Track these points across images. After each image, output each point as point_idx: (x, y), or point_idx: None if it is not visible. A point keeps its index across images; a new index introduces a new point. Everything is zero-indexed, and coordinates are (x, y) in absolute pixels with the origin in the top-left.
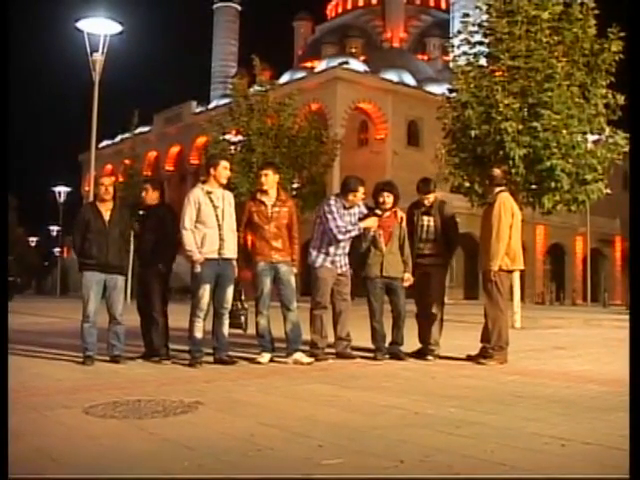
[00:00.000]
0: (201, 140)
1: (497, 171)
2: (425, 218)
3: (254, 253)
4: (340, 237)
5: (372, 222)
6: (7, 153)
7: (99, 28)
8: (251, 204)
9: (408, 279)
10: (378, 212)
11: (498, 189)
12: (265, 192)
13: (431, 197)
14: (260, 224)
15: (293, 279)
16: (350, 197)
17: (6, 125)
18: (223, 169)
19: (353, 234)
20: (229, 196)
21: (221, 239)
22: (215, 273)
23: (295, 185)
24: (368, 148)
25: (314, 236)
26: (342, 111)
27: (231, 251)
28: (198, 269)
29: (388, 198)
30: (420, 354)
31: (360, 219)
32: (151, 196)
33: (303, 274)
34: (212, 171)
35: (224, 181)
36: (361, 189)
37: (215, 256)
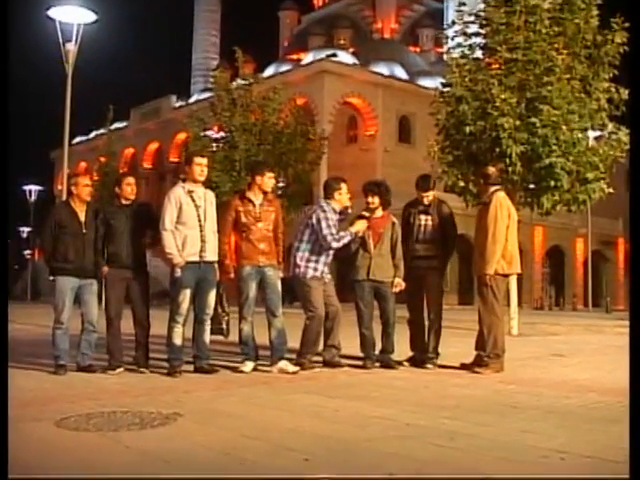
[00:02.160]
0: (181, 136)
1: (492, 169)
2: (422, 217)
3: (240, 256)
4: (334, 245)
5: (361, 225)
6: (7, 153)
7: (72, 17)
8: (238, 203)
9: (398, 284)
10: (365, 214)
11: (493, 188)
12: (266, 193)
13: (430, 195)
14: (248, 224)
15: (279, 283)
16: (336, 197)
17: (6, 126)
18: (197, 165)
19: (346, 241)
20: (210, 195)
21: (203, 241)
22: (196, 277)
23: (280, 184)
24: (357, 145)
25: (301, 246)
26: (330, 106)
27: (213, 254)
28: (178, 273)
29: (372, 198)
30: (415, 361)
31: (350, 224)
32: (134, 191)
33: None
34: (187, 168)
35: (200, 178)
36: (343, 185)
37: (196, 259)
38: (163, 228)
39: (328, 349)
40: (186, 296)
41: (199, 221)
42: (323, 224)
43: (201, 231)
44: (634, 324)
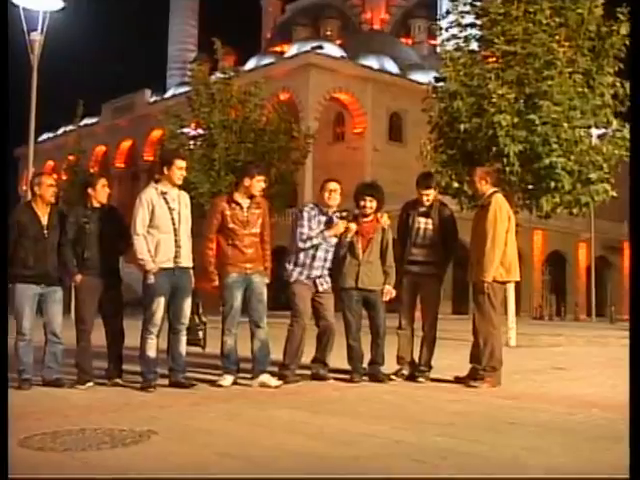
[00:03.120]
0: (156, 134)
1: (489, 170)
2: (422, 220)
3: (224, 262)
4: (300, 245)
5: (338, 228)
6: (6, 152)
7: (37, 3)
8: (225, 206)
9: (388, 292)
10: (341, 214)
11: (492, 190)
12: (254, 196)
13: (431, 194)
14: (235, 229)
15: (266, 292)
16: (325, 196)
17: (6, 125)
18: (178, 169)
19: (315, 242)
20: (185, 197)
21: (177, 246)
22: (170, 284)
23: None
24: (345, 143)
25: (290, 248)
26: (315, 102)
27: (187, 259)
28: (152, 280)
29: (370, 203)
30: (405, 375)
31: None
32: (107, 193)
33: (274, 285)
34: (166, 170)
35: (179, 182)
36: (332, 184)
37: (170, 265)
38: (135, 232)
39: (316, 362)
40: (160, 304)
41: (173, 225)
42: (297, 224)
43: (175, 235)
44: (634, 334)
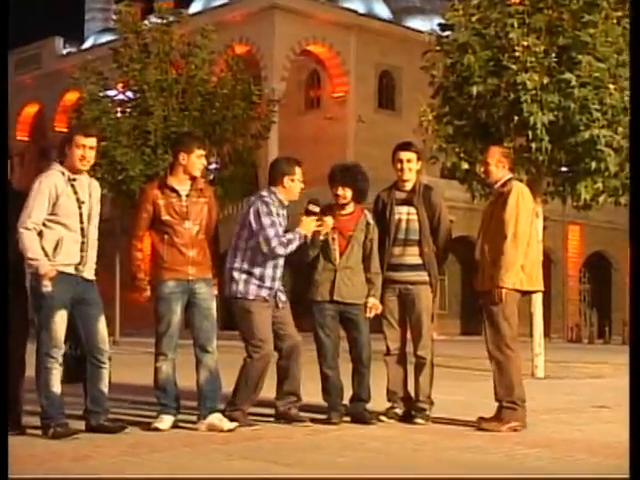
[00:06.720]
0: (71, 97)
1: (507, 152)
2: (403, 210)
3: (159, 267)
4: (280, 251)
5: (309, 226)
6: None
7: None
8: (156, 194)
9: (374, 306)
10: (313, 208)
11: (509, 175)
12: (194, 178)
13: (413, 160)
14: (171, 223)
15: (214, 306)
16: (286, 184)
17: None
18: (78, 148)
19: (295, 246)
20: (97, 190)
21: (83, 250)
22: (72, 295)
23: (213, 166)
24: (320, 112)
25: (238, 253)
26: (282, 56)
27: (91, 271)
28: (48, 287)
29: (342, 190)
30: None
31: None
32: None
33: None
34: (66, 149)
35: (81, 166)
36: (297, 169)
37: (71, 271)
38: (24, 225)
39: (284, 397)
40: (63, 319)
41: (81, 222)
42: (266, 221)
43: (82, 237)
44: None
